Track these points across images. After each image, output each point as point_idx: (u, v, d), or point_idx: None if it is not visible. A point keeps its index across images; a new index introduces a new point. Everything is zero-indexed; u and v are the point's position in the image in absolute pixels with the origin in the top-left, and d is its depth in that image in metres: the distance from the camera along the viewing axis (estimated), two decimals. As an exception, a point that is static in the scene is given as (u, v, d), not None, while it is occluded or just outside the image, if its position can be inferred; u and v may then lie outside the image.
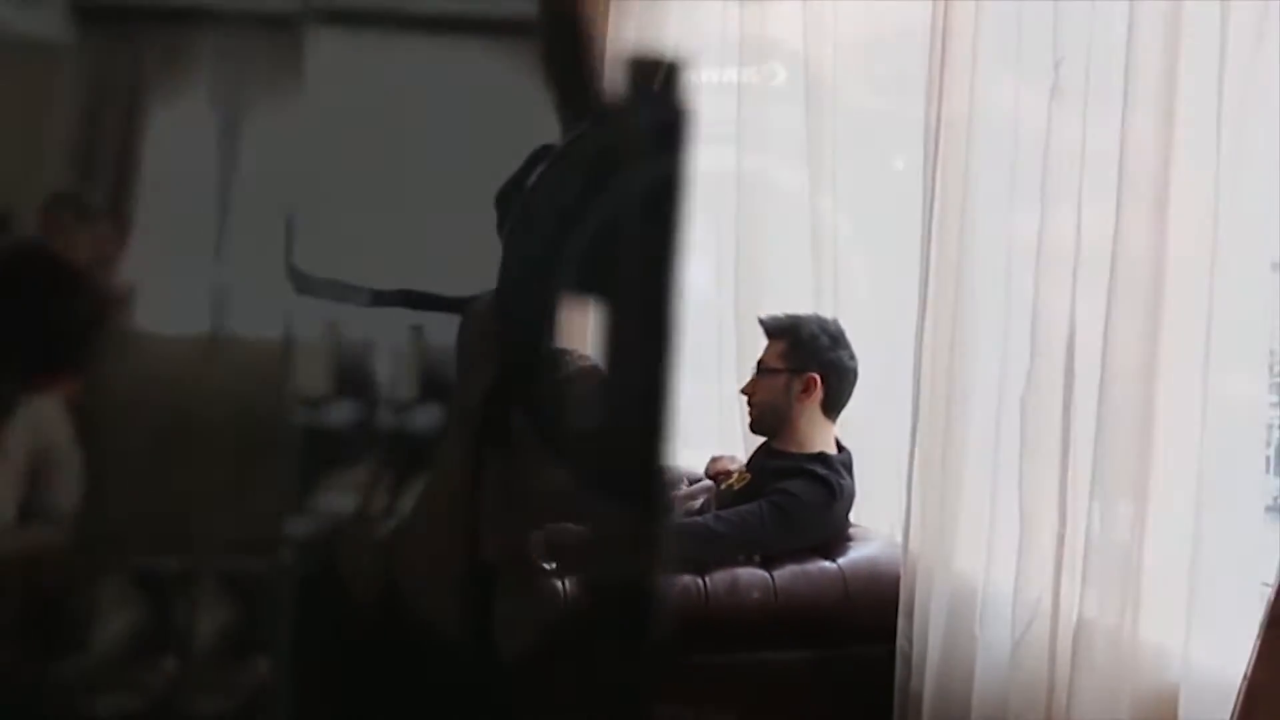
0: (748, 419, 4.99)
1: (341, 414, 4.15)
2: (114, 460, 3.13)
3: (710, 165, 4.91)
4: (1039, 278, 3.83)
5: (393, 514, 3.61)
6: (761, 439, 5.05)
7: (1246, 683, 2.90)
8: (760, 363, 4.98)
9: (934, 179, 4.34)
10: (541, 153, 1.54)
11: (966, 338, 4.19)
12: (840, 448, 5.07)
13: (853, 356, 5.10)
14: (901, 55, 4.90)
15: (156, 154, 6.64)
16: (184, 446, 3.17)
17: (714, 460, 5.20)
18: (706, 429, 5.34)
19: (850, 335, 5.12)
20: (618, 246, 0.50)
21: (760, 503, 4.67)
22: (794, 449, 4.96)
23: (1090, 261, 3.50)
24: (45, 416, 3.97)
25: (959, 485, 4.29)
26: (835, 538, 4.92)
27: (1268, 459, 3.31)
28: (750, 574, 4.45)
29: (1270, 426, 3.37)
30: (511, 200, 1.67)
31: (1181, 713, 3.00)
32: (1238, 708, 2.92)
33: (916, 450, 4.60)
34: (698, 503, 4.81)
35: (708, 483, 5.03)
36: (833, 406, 5.09)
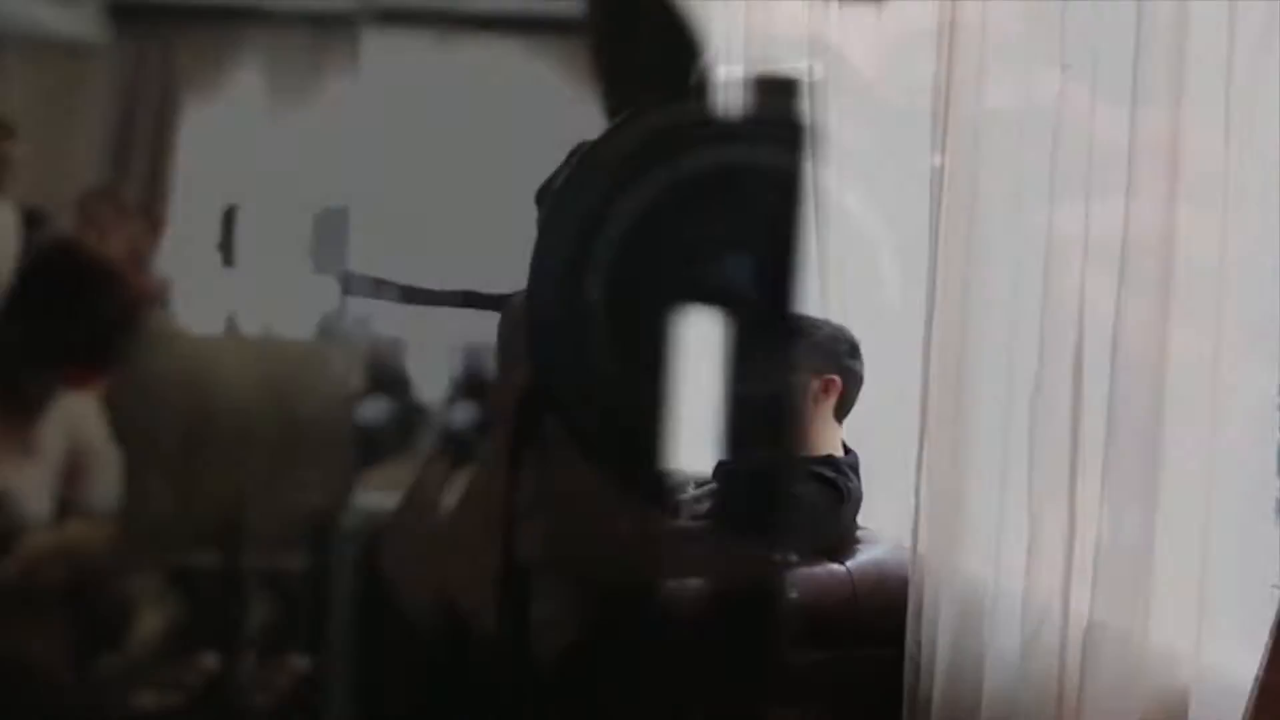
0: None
1: (386, 411, 4.20)
2: (155, 456, 3.16)
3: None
4: (1047, 280, 3.85)
5: (435, 511, 3.66)
6: (762, 439, 5.05)
7: (1258, 684, 2.91)
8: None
9: (941, 179, 4.36)
10: (577, 150, 1.56)
11: (973, 341, 4.21)
12: (847, 450, 5.09)
13: (863, 364, 5.13)
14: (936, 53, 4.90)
15: (205, 154, 6.70)
16: (228, 443, 3.20)
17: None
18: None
19: (869, 336, 5.15)
20: (715, 251, 0.53)
21: None
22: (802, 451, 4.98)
23: (1099, 262, 3.52)
24: (79, 413, 4.02)
25: (967, 488, 4.31)
26: (843, 541, 4.95)
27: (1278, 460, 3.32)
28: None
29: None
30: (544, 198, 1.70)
31: (1192, 715, 3.01)
32: (1249, 709, 2.93)
33: (924, 453, 4.62)
34: (705, 506, 4.83)
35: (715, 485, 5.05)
36: (844, 410, 5.12)
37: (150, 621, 3.37)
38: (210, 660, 3.28)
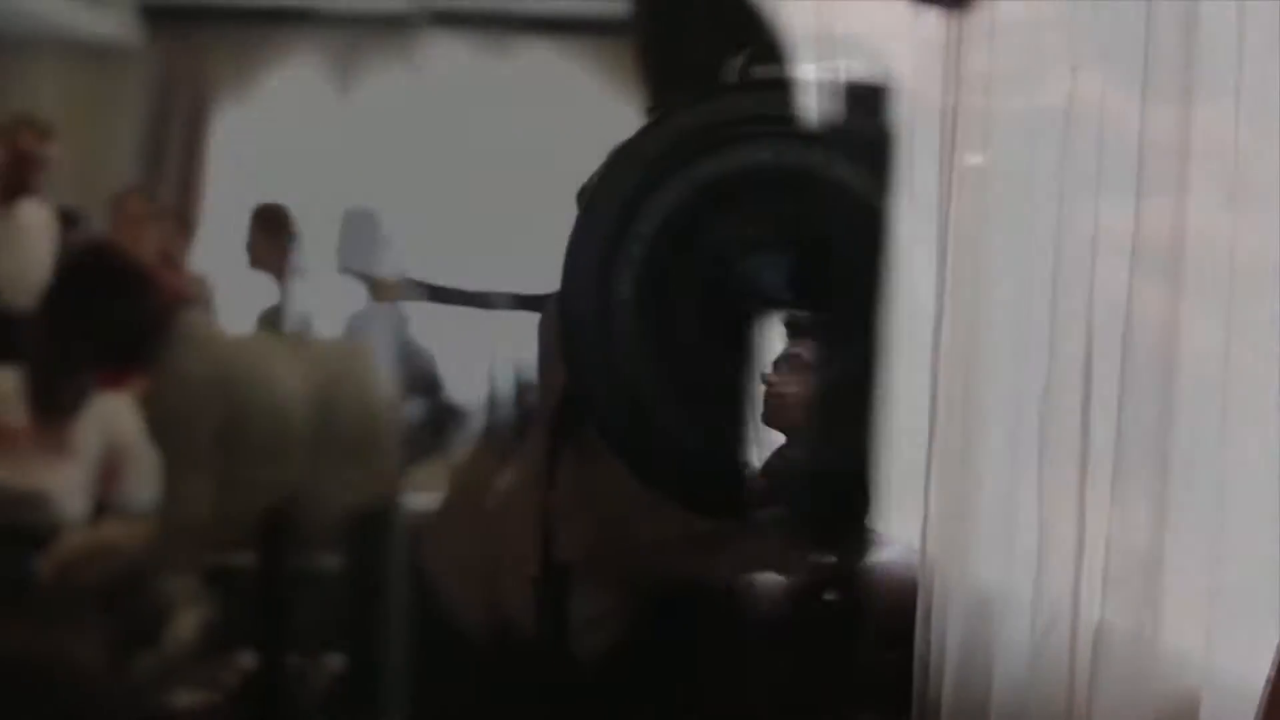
0: (764, 412, 5.02)
1: (429, 410, 4.25)
2: (191, 456, 3.19)
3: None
4: (1056, 281, 3.89)
5: (476, 508, 3.70)
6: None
7: (1270, 686, 2.94)
8: (794, 356, 5.02)
9: (949, 179, 4.38)
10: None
11: (983, 342, 4.24)
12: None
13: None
14: (981, 51, 4.92)
15: (270, 155, 6.71)
16: (265, 442, 3.25)
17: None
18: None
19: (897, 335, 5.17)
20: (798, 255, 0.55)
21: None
22: (811, 451, 5.02)
23: (1108, 264, 3.55)
24: (115, 413, 4.07)
25: (977, 490, 4.35)
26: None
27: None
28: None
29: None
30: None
31: (1203, 717, 3.05)
32: (1261, 712, 2.96)
33: (934, 455, 4.65)
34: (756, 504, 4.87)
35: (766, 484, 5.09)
36: None
37: (186, 620, 3.42)
38: (246, 659, 3.31)
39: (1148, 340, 3.53)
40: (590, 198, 0.70)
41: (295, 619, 3.19)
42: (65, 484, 4.04)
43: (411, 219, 5.35)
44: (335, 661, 3.23)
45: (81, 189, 5.87)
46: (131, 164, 7.56)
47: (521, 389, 2.27)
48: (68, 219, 5.27)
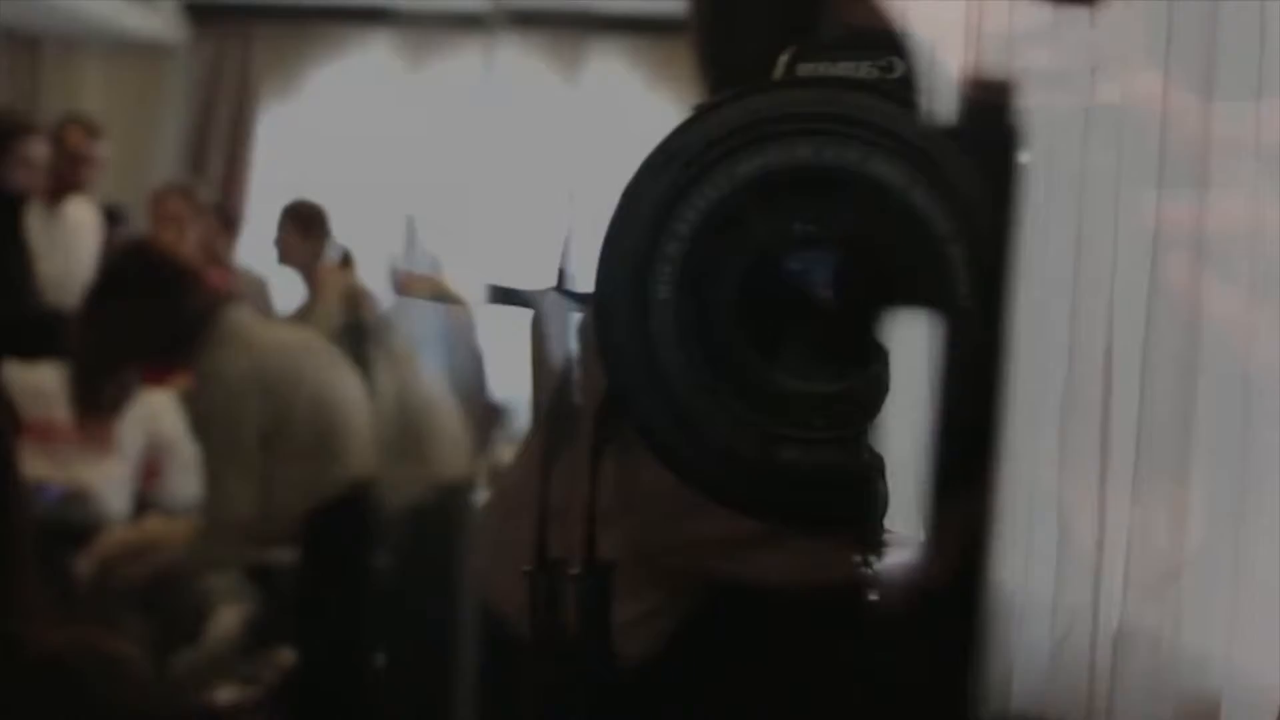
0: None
1: (477, 407, 4.23)
2: (235, 452, 3.18)
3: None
4: (1077, 278, 3.88)
5: (523, 505, 3.65)
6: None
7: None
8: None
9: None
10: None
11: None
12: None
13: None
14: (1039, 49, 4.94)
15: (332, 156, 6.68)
16: (308, 437, 3.24)
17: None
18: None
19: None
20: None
21: None
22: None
23: (1127, 260, 3.53)
24: (158, 410, 4.08)
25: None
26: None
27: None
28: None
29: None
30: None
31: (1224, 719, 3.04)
32: (1282, 715, 2.95)
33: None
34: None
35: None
36: None
37: (227, 617, 3.41)
38: (287, 655, 3.31)
39: (1170, 339, 3.53)
40: (626, 196, 0.68)
41: (346, 616, 3.17)
42: (108, 480, 4.04)
43: (470, 218, 5.35)
44: (387, 659, 3.22)
45: (126, 185, 5.90)
46: (176, 161, 7.61)
47: (567, 388, 2.25)
48: (112, 216, 5.28)
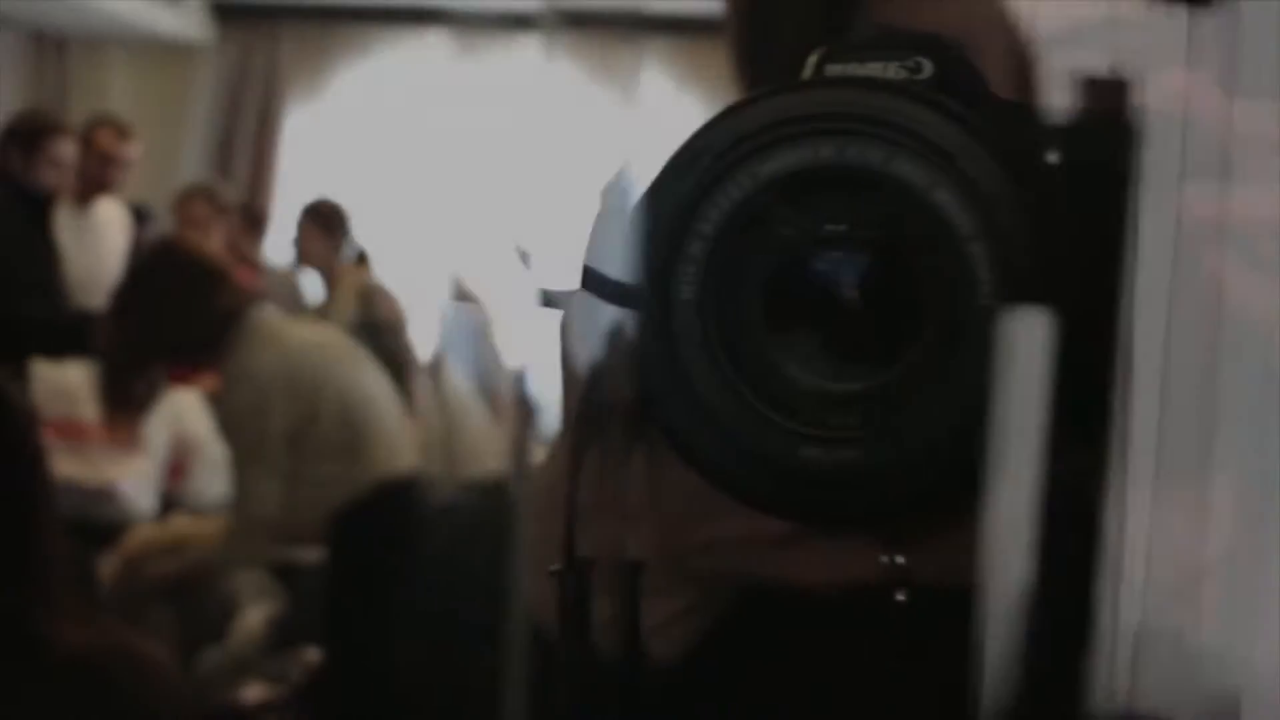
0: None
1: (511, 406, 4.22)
2: (262, 451, 3.18)
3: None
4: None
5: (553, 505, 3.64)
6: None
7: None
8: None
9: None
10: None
11: (1019, 340, 4.23)
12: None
13: None
14: (1077, 50, 4.94)
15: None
16: (335, 436, 3.24)
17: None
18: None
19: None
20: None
21: None
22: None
23: (1150, 255, 3.53)
24: (184, 409, 4.09)
25: (1015, 488, 4.33)
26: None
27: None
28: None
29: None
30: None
31: (1244, 719, 3.03)
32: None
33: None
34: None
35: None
36: None
37: (254, 615, 3.42)
38: (313, 654, 3.31)
39: (1191, 336, 3.52)
40: (650, 195, 0.68)
41: (373, 615, 3.17)
42: (135, 479, 4.06)
43: (497, 217, 5.36)
44: (415, 659, 3.22)
45: (153, 185, 5.91)
46: (202, 160, 7.62)
47: (595, 388, 2.25)
48: (139, 215, 5.30)
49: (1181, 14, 0.75)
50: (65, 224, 4.61)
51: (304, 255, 5.29)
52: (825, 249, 0.64)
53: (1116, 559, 0.84)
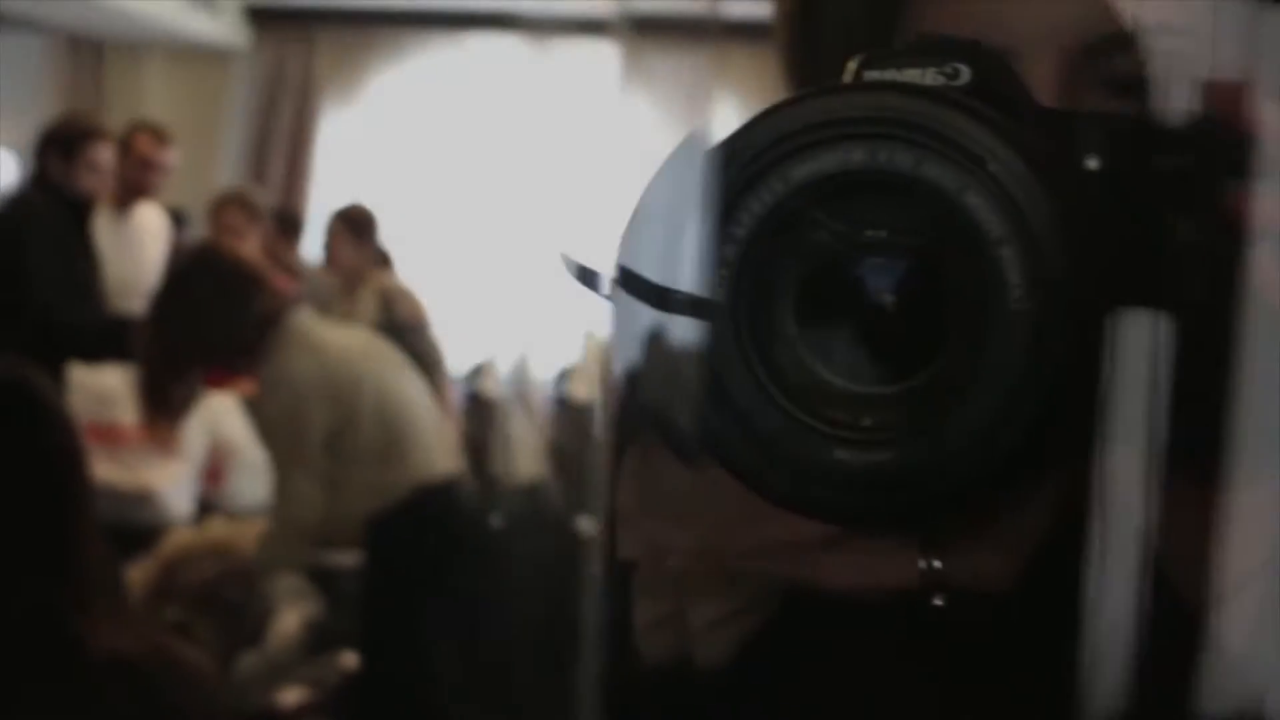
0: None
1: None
2: (300, 455, 3.18)
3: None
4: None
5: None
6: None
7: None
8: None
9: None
10: None
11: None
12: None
13: None
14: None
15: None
16: (372, 440, 3.24)
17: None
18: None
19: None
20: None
21: None
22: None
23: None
24: (221, 413, 4.10)
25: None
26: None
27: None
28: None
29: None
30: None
31: (1269, 718, 3.01)
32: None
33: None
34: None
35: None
36: None
37: (291, 619, 3.42)
38: (349, 658, 3.31)
39: (1257, 333, 3.51)
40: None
41: (410, 619, 3.17)
42: (172, 483, 4.07)
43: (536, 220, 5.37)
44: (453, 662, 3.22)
45: (189, 189, 5.93)
46: (238, 164, 7.64)
47: (635, 389, 2.27)
48: (175, 219, 5.32)
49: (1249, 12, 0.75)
50: (104, 229, 4.63)
51: (333, 259, 5.31)
52: (856, 253, 0.64)
53: (1139, 558, 0.83)
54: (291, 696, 3.32)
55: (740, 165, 0.67)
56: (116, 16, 6.82)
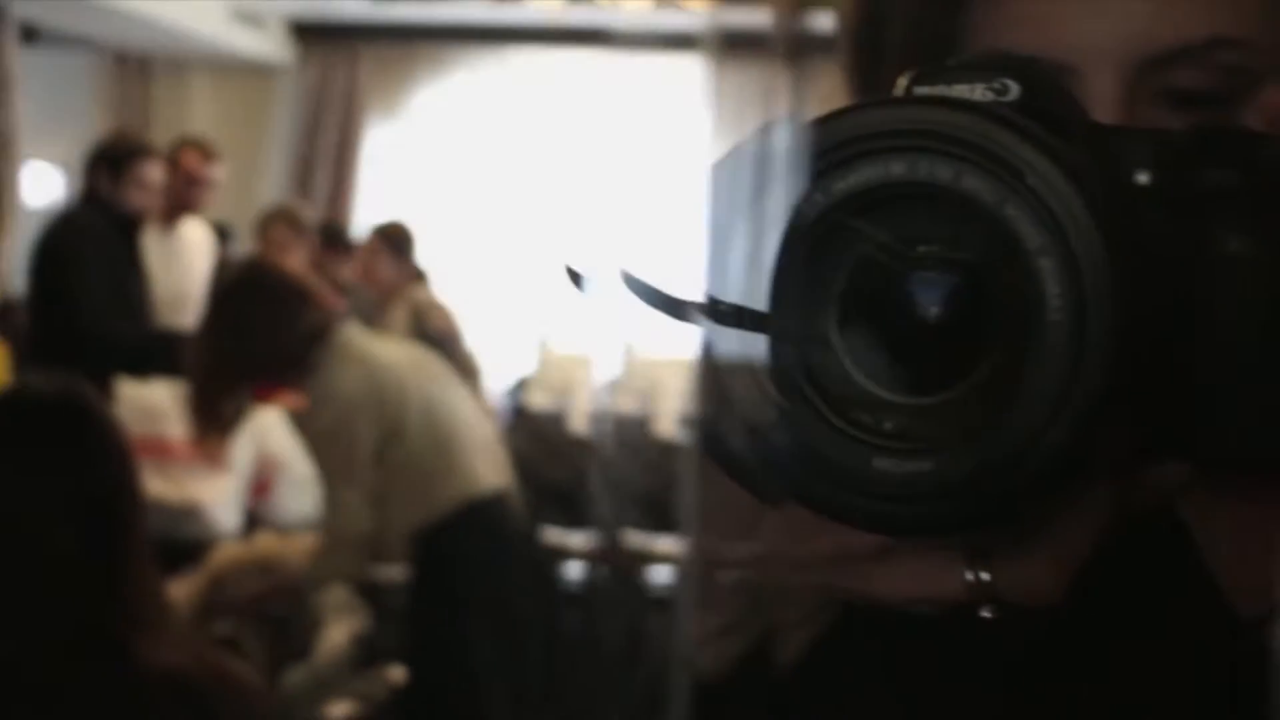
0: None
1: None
2: (347, 469, 3.19)
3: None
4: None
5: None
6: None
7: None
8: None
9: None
10: None
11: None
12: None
13: None
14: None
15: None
16: (419, 453, 3.25)
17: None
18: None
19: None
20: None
21: None
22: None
23: None
24: (267, 427, 4.11)
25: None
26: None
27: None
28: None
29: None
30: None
31: None
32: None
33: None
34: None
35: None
36: None
37: (338, 633, 3.42)
38: (397, 672, 3.31)
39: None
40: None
41: (458, 633, 3.17)
42: (220, 497, 4.08)
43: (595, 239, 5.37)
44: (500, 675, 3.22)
45: (234, 204, 5.96)
46: (283, 180, 7.67)
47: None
48: (221, 234, 5.35)
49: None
50: (152, 244, 4.67)
51: (370, 274, 5.34)
52: (898, 264, 0.65)
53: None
54: (339, 710, 3.33)
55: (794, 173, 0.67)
56: (163, 34, 6.87)
